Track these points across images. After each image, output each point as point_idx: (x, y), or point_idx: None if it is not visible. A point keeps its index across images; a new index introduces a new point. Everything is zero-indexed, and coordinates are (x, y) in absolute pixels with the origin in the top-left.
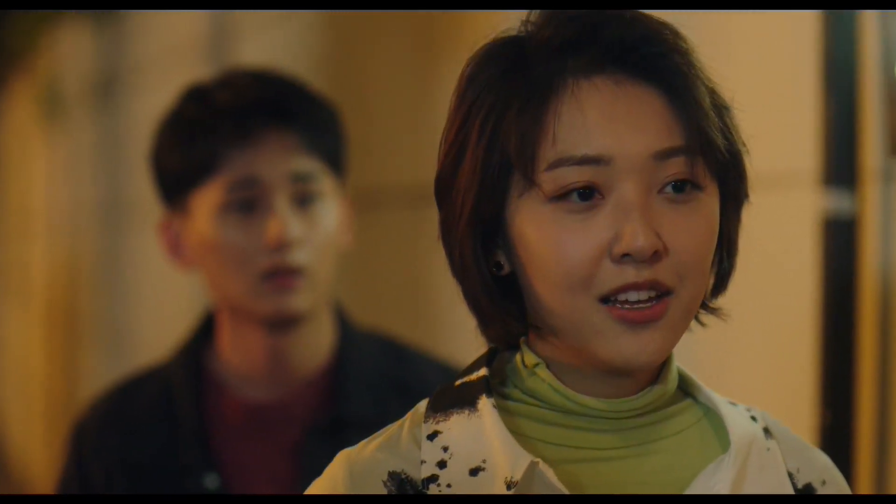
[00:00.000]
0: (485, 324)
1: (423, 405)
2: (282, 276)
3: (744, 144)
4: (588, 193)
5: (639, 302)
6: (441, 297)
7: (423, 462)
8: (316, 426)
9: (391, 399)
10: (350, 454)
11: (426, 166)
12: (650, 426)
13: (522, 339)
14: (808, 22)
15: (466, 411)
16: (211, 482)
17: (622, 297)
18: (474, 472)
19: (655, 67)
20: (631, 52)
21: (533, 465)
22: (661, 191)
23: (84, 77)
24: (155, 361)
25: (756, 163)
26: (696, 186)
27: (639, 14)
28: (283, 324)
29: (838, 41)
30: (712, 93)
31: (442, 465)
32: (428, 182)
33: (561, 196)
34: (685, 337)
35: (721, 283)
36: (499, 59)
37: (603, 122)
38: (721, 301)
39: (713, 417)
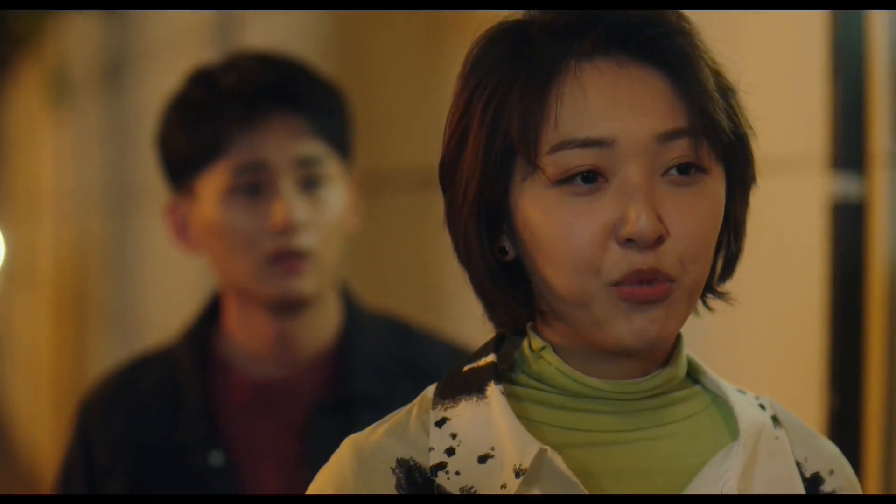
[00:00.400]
0: (490, 309)
1: (430, 391)
2: (288, 259)
3: (750, 127)
4: (592, 176)
5: (642, 283)
6: (449, 281)
7: (431, 449)
8: (322, 404)
9: (398, 378)
10: (357, 439)
11: (433, 150)
12: (659, 410)
13: (529, 323)
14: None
15: (475, 398)
16: (215, 459)
17: (628, 282)
18: (483, 459)
19: (658, 49)
20: (634, 34)
21: (542, 453)
22: (665, 173)
23: (91, 62)
24: (162, 343)
25: (764, 146)
26: (701, 169)
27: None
28: (290, 307)
29: (846, 25)
30: (717, 74)
31: (450, 452)
32: (435, 166)
33: (565, 179)
34: (694, 322)
35: (728, 267)
36: (502, 42)
37: (605, 104)
38: (729, 285)
39: (721, 405)
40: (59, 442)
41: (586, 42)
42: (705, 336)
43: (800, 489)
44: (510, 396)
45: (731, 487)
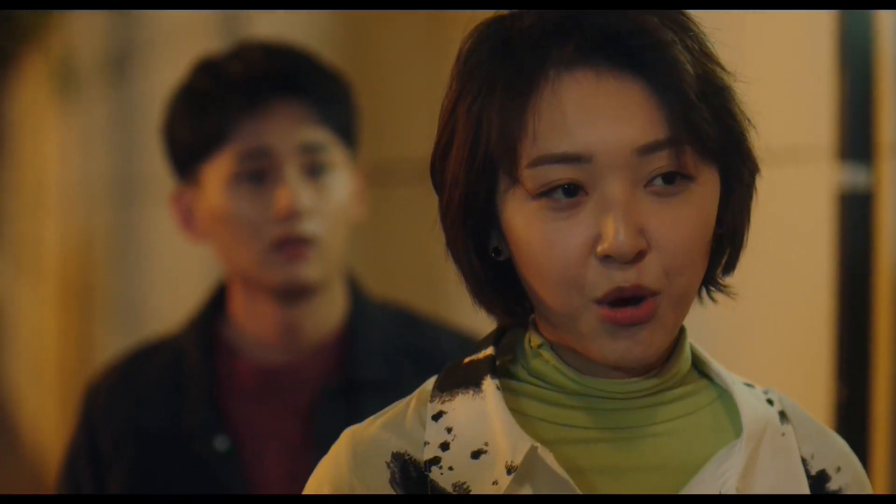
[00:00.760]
0: (480, 308)
1: (430, 383)
2: (292, 245)
3: (748, 121)
4: (572, 190)
5: (626, 302)
6: (455, 272)
7: (426, 443)
8: (328, 390)
9: (404, 364)
10: (355, 432)
11: None
12: (660, 406)
13: (532, 316)
14: None
15: (471, 392)
16: (221, 444)
17: (610, 297)
18: (476, 455)
19: (638, 59)
20: (613, 43)
21: (533, 450)
22: (648, 184)
23: (97, 53)
24: (168, 330)
25: (772, 138)
26: (686, 177)
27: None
28: (295, 294)
29: (854, 16)
30: (704, 77)
31: (445, 446)
32: None
33: (545, 193)
34: (701, 314)
35: (730, 262)
36: (489, 41)
37: (583, 117)
38: (736, 276)
39: (728, 400)
40: (65, 432)
41: (566, 50)
42: (713, 328)
43: (804, 487)
44: (507, 391)
45: (730, 487)
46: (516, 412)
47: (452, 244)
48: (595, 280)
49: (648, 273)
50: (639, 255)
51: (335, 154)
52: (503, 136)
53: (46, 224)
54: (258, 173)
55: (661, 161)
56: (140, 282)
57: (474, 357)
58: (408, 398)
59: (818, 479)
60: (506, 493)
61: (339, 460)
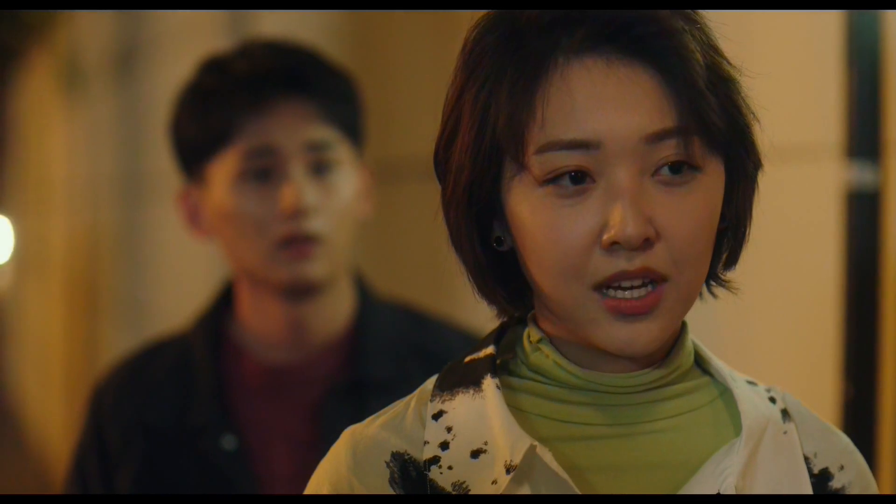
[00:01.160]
0: (481, 299)
1: (431, 382)
2: (298, 243)
3: (753, 115)
4: (580, 177)
5: (632, 289)
6: (456, 263)
7: (426, 443)
8: (335, 388)
9: (411, 362)
10: (355, 432)
11: None
12: (660, 403)
13: (531, 313)
14: None
15: (471, 391)
16: (228, 443)
17: (614, 284)
18: (475, 454)
19: (648, 47)
20: (623, 31)
21: (532, 449)
22: (655, 173)
23: (103, 50)
24: (175, 329)
25: (779, 135)
26: (693, 167)
27: None
28: (301, 291)
29: (862, 14)
30: (712, 68)
31: (444, 446)
32: None
33: (552, 180)
34: (708, 311)
35: (732, 256)
36: (494, 31)
37: (592, 104)
38: (743, 274)
39: (729, 397)
40: (70, 429)
41: (575, 37)
42: (719, 324)
43: (806, 486)
44: (507, 388)
45: (729, 485)
46: (516, 409)
47: (455, 233)
48: (598, 266)
49: (656, 259)
50: (646, 244)
51: (341, 152)
52: (511, 122)
53: (52, 221)
54: (264, 171)
55: (669, 150)
56: (146, 279)
57: (475, 356)
58: (408, 397)
59: (821, 478)
60: (505, 492)
61: (338, 460)
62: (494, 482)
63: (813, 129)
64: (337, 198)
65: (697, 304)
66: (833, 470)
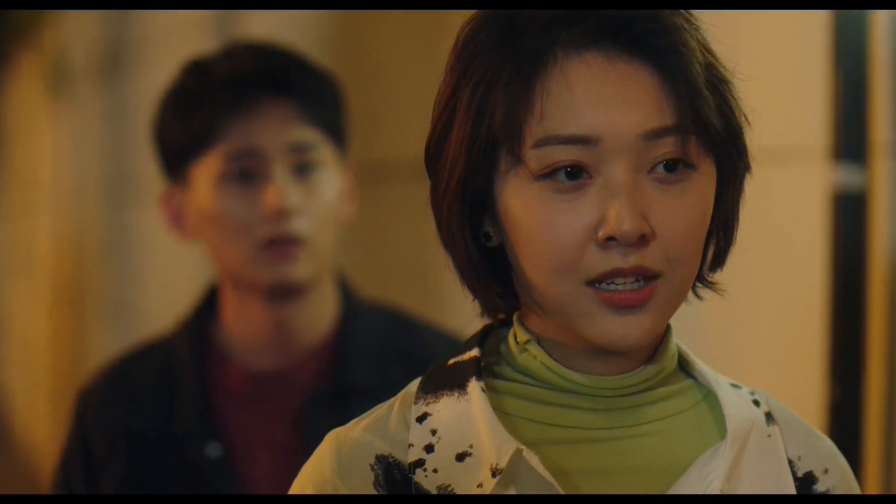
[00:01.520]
0: (471, 295)
1: (414, 385)
2: (281, 244)
3: (745, 118)
4: (576, 172)
5: (625, 284)
6: (449, 272)
7: (410, 446)
8: (318, 394)
9: (394, 367)
10: (339, 435)
11: None
12: (644, 406)
13: (516, 314)
14: None
15: (456, 394)
16: (213, 451)
17: (608, 280)
18: (461, 457)
19: (648, 45)
20: (624, 28)
21: (518, 453)
22: (651, 170)
23: (90, 51)
24: (159, 333)
25: (766, 137)
26: (689, 166)
27: None
28: (285, 293)
29: (849, 16)
30: (709, 68)
31: (429, 449)
32: None
33: (548, 174)
34: (695, 313)
35: (719, 257)
36: (490, 26)
37: (591, 100)
38: (730, 276)
39: (713, 401)
40: (57, 431)
41: (575, 32)
42: (706, 327)
43: (790, 489)
44: (492, 391)
45: (714, 489)
46: (501, 412)
47: (447, 229)
48: (592, 263)
49: (650, 257)
50: (641, 240)
51: (324, 153)
52: (509, 116)
53: (38, 223)
54: (247, 173)
55: (666, 147)
56: (132, 281)
57: (459, 358)
58: (391, 400)
59: (805, 481)
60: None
61: (322, 463)
62: (480, 485)
63: (799, 132)
64: (320, 199)
65: (683, 306)
66: (817, 473)
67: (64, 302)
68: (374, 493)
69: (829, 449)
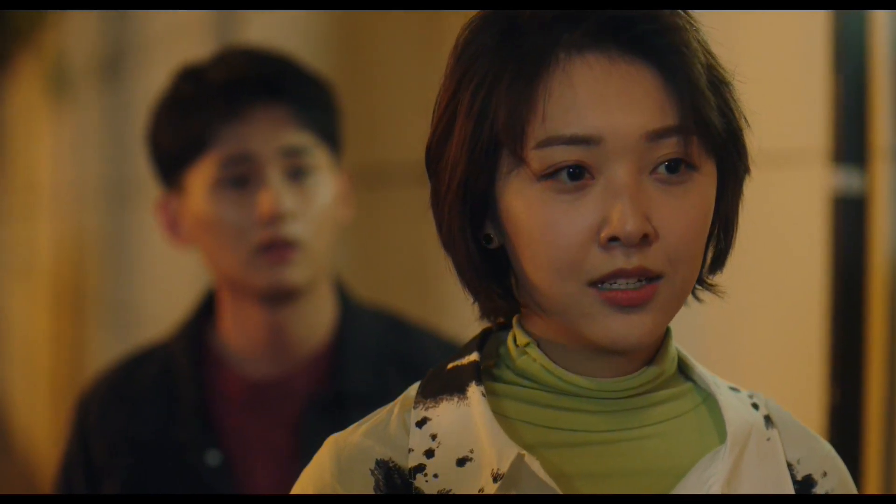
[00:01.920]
0: (473, 297)
1: (413, 389)
2: (276, 248)
3: (745, 120)
4: (578, 173)
5: (628, 285)
6: (448, 275)
7: (410, 450)
8: (316, 401)
9: (392, 374)
10: (338, 440)
11: None
12: (644, 409)
13: (516, 317)
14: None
15: (456, 398)
16: (212, 458)
17: (610, 280)
18: (461, 462)
19: (650, 45)
20: (625, 29)
21: (520, 458)
22: (653, 171)
23: (90, 54)
24: (158, 338)
25: (766, 140)
26: (691, 166)
27: None
28: (281, 297)
29: (849, 18)
30: (710, 69)
31: (430, 454)
32: None
33: (550, 175)
34: (695, 316)
35: (719, 259)
36: (491, 28)
37: (594, 100)
38: (730, 279)
39: (712, 404)
40: (57, 435)
41: (577, 33)
42: (707, 330)
43: (790, 492)
44: (492, 394)
45: (714, 492)
46: (501, 416)
47: (447, 230)
48: (595, 264)
49: (652, 258)
50: (644, 241)
51: (318, 157)
52: (512, 117)
53: (38, 226)
54: (241, 178)
55: (669, 148)
56: (132, 284)
57: (458, 362)
58: (390, 404)
59: (804, 484)
60: None
61: (322, 467)
62: (481, 490)
63: (799, 134)
64: (315, 203)
65: (683, 309)
66: (816, 476)
67: (64, 304)
68: None
69: (827, 452)
